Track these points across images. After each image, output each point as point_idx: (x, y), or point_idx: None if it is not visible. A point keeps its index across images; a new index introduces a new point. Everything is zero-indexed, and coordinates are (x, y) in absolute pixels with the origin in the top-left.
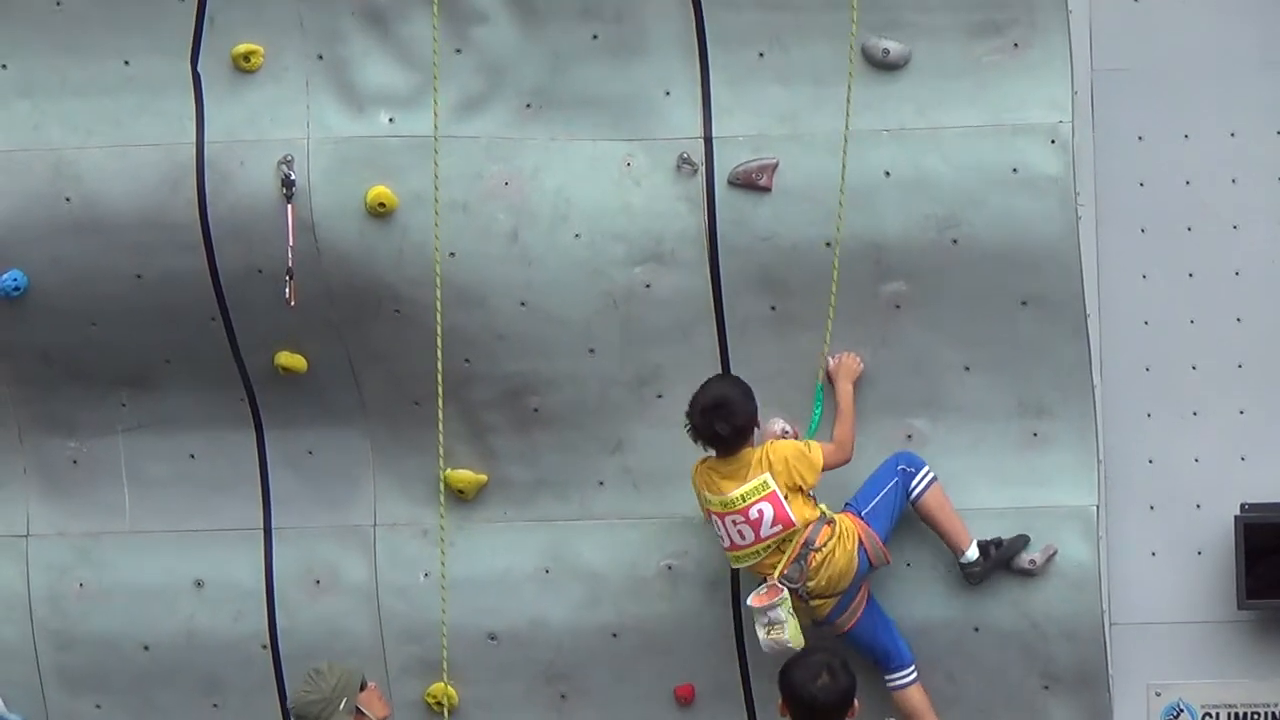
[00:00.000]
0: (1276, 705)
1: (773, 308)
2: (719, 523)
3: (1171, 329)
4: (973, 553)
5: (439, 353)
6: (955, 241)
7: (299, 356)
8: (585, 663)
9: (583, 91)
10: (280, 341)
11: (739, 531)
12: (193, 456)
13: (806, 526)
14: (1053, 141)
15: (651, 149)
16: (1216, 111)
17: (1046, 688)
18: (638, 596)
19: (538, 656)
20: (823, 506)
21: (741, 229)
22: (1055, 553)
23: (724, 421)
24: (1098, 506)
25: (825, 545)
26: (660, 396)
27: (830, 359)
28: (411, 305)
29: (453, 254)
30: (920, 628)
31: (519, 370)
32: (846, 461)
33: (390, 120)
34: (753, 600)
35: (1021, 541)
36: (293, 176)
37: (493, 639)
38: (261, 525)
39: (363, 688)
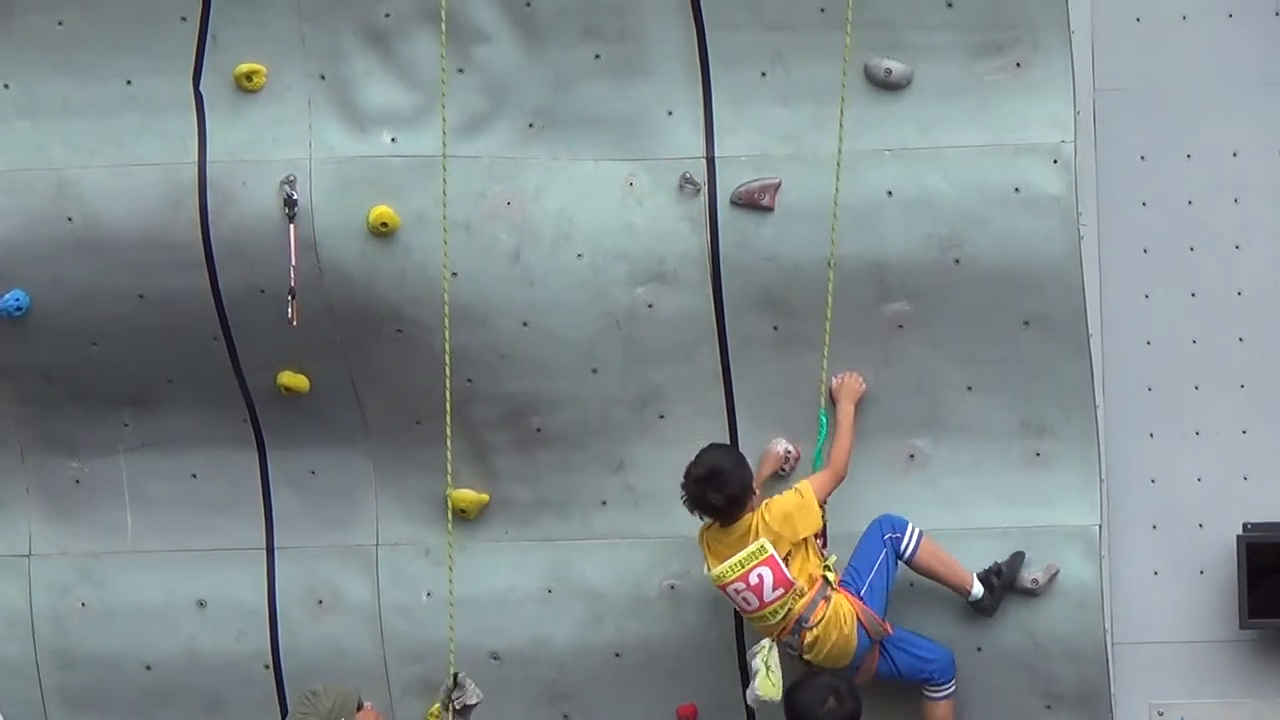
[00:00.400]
0: None
1: (775, 327)
2: (723, 592)
3: (1174, 348)
4: (978, 590)
5: (447, 370)
6: (958, 261)
7: (301, 376)
8: (588, 682)
9: (585, 111)
10: (282, 361)
11: (744, 599)
12: (195, 476)
13: (809, 589)
14: (1055, 161)
15: (654, 169)
16: (1219, 131)
17: (1049, 707)
18: (640, 616)
19: (540, 676)
20: (829, 564)
21: (744, 249)
22: (1058, 572)
23: (717, 491)
24: (1100, 526)
25: (819, 623)
26: (662, 416)
27: (833, 379)
28: (414, 325)
29: (455, 274)
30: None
31: (521, 390)
32: (842, 480)
33: (392, 140)
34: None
35: (1019, 559)
36: (295, 196)
37: (495, 658)
38: (264, 545)
39: (359, 708)
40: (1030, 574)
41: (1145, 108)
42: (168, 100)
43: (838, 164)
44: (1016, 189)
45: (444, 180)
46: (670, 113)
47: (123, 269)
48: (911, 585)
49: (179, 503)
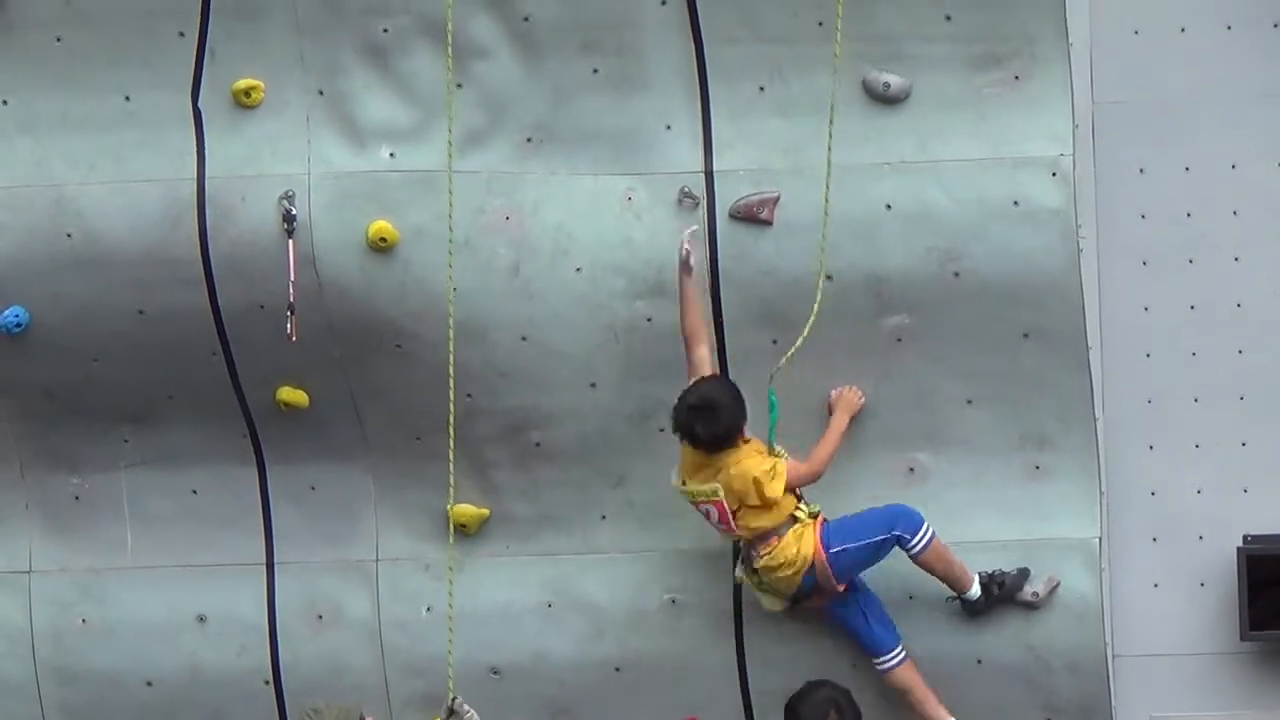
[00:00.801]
0: None
1: (774, 341)
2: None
3: (1173, 361)
4: (975, 591)
5: (451, 383)
6: (957, 274)
7: (301, 392)
8: (588, 697)
9: (583, 126)
10: (282, 377)
11: (705, 512)
12: (195, 492)
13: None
14: (1054, 174)
15: (652, 183)
16: (1218, 144)
17: None
18: (641, 630)
19: (540, 691)
20: (802, 509)
21: (743, 262)
22: (1058, 585)
23: (705, 425)
24: (1100, 538)
25: (769, 550)
26: (662, 430)
27: (832, 391)
28: (413, 340)
29: (454, 289)
30: (923, 660)
31: (520, 405)
32: (815, 480)
33: (391, 155)
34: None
35: (1023, 576)
36: (294, 212)
37: (495, 673)
38: (264, 560)
39: None
40: (1030, 587)
41: (1144, 120)
42: (167, 116)
43: (826, 177)
44: (1015, 202)
45: (450, 194)
46: (669, 127)
47: (122, 285)
48: (911, 598)
49: (179, 518)
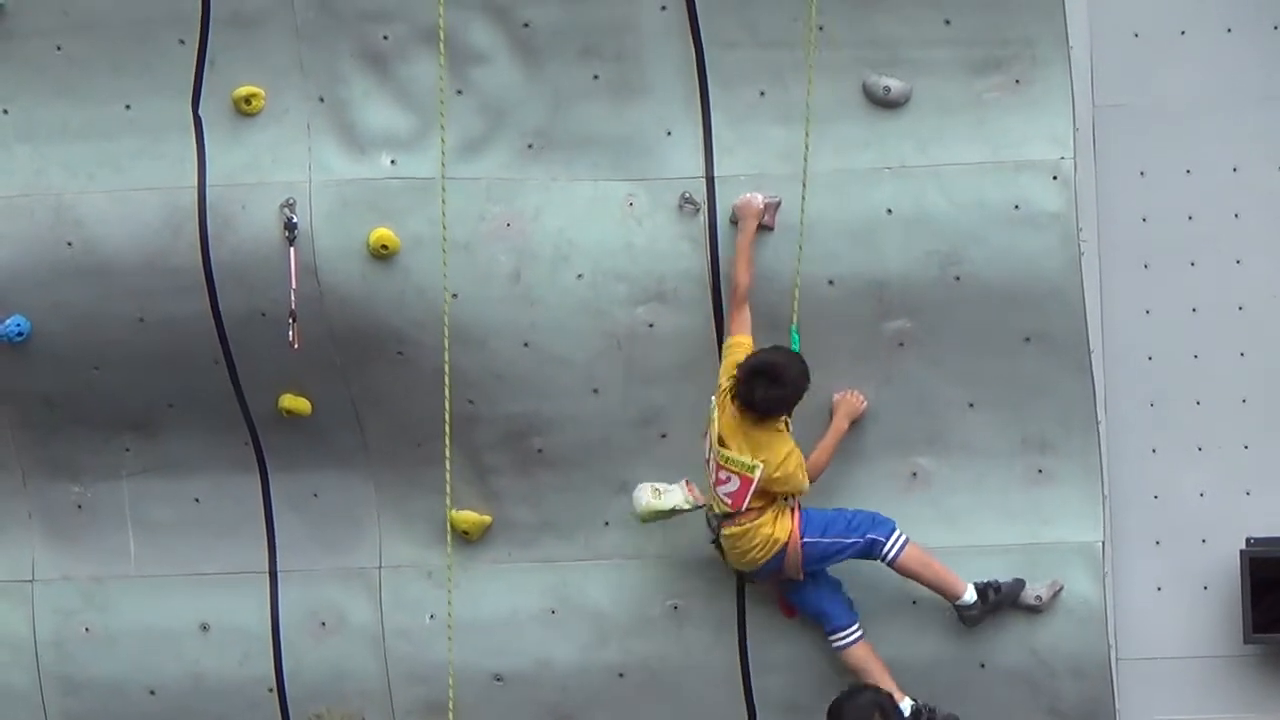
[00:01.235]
0: None
1: (776, 346)
2: (711, 452)
3: (1175, 364)
4: (970, 596)
5: (448, 390)
6: (958, 278)
7: (303, 399)
8: (591, 703)
9: (584, 132)
10: (284, 384)
11: (714, 465)
12: (197, 500)
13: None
14: (1054, 177)
15: (653, 189)
16: (1218, 146)
17: None
18: (644, 636)
19: (544, 697)
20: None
21: None
22: (1061, 589)
23: (765, 389)
24: (1103, 542)
25: (742, 525)
26: (664, 436)
27: (834, 395)
28: (414, 347)
29: (455, 295)
30: (926, 665)
31: (522, 411)
32: (813, 481)
33: (392, 162)
34: (685, 482)
35: (1018, 585)
36: (295, 219)
37: (499, 680)
38: (267, 568)
39: None
40: (1034, 591)
41: (1145, 123)
42: (167, 124)
43: (803, 174)
44: (1016, 206)
45: (442, 199)
46: (669, 132)
47: (123, 293)
48: (915, 603)
49: (181, 527)
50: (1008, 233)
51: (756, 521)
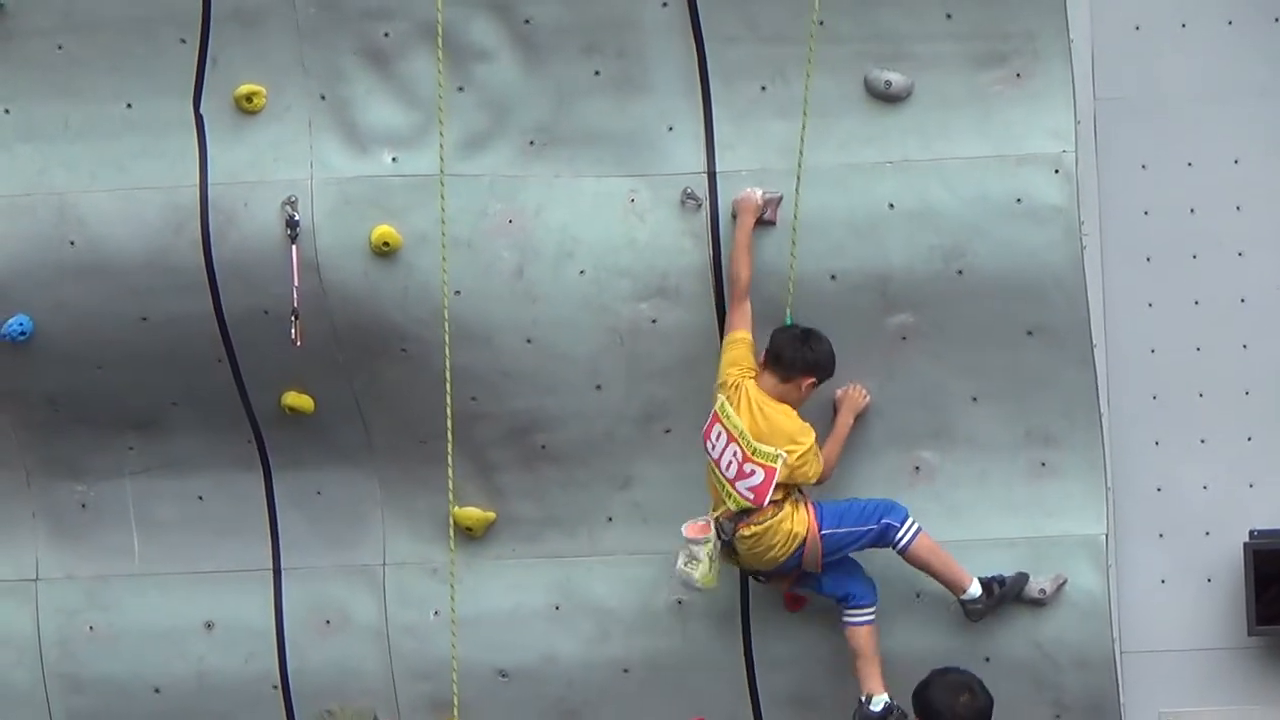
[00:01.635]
0: None
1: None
2: (720, 429)
3: (1178, 357)
4: (975, 589)
5: (449, 387)
6: (960, 272)
7: (306, 397)
8: (596, 699)
9: (586, 128)
10: (287, 382)
11: (729, 462)
12: (201, 498)
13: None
14: (1056, 171)
15: (655, 184)
16: (1220, 139)
17: (1058, 716)
18: (648, 632)
19: (548, 693)
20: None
21: None
22: (1065, 582)
23: (798, 346)
24: (1107, 535)
25: (762, 523)
26: (668, 431)
27: (837, 390)
28: (417, 344)
29: (458, 292)
30: (931, 659)
31: (525, 407)
32: (823, 482)
33: (393, 160)
34: (686, 528)
35: (1022, 579)
36: (297, 217)
37: (503, 676)
38: (271, 566)
39: None
40: (1038, 584)
41: (1146, 116)
42: (168, 123)
43: (798, 168)
44: (1018, 199)
45: (442, 198)
46: (671, 128)
47: (125, 292)
48: (919, 596)
49: (185, 525)
50: (1010, 226)
51: (777, 517)
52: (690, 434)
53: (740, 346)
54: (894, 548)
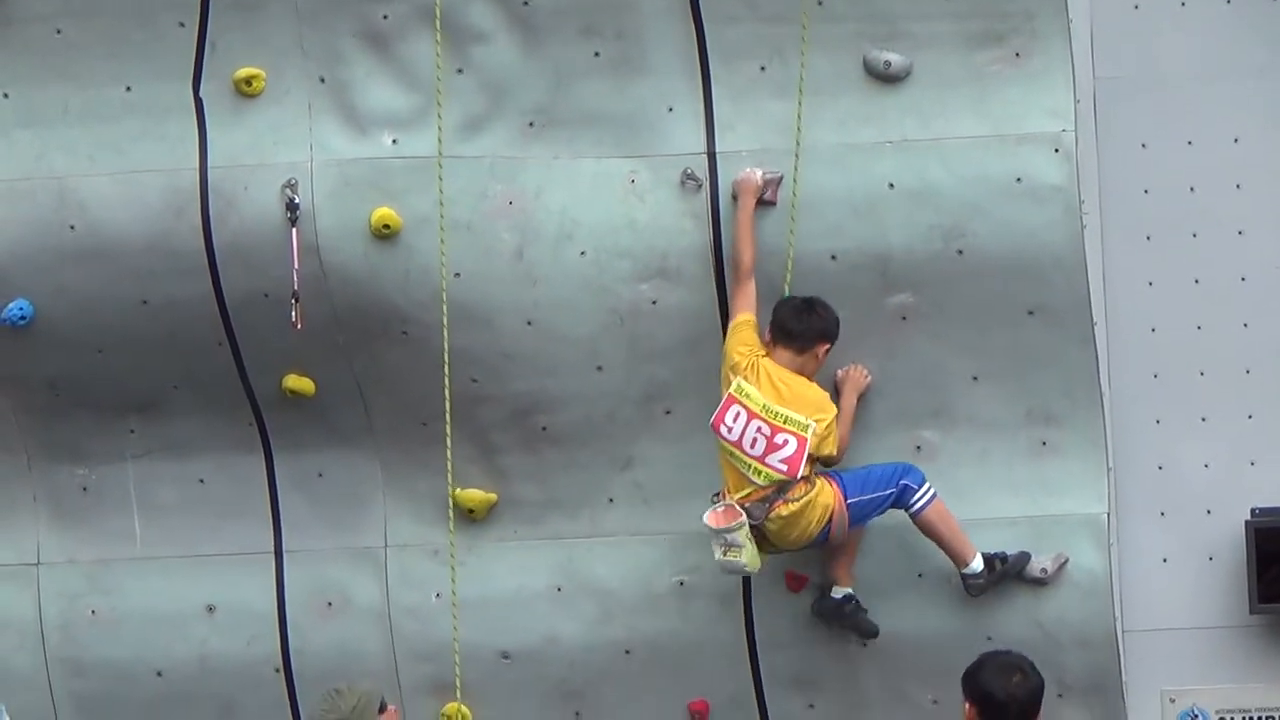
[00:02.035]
0: None
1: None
2: (737, 410)
3: (1178, 335)
4: (977, 564)
5: (446, 369)
6: (960, 252)
7: (307, 379)
8: (598, 680)
9: (585, 109)
10: (287, 365)
11: (753, 439)
12: (202, 481)
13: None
14: (1056, 150)
15: (655, 165)
16: (1219, 117)
17: (1060, 696)
18: (650, 613)
19: (551, 674)
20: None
21: None
22: (1066, 561)
23: (802, 317)
24: (1108, 514)
25: (799, 499)
26: (669, 412)
27: (838, 371)
28: (418, 326)
29: (458, 274)
30: (932, 638)
31: (527, 389)
32: (835, 462)
33: (393, 142)
34: (710, 520)
35: (1024, 558)
36: (297, 200)
37: (506, 658)
38: (272, 548)
39: (382, 709)
40: (1039, 563)
41: (1145, 95)
42: (168, 106)
43: (795, 154)
44: (1018, 179)
45: (439, 179)
46: (670, 109)
47: (126, 276)
48: (920, 576)
49: (187, 508)
50: (1010, 206)
51: (812, 492)
52: (691, 414)
53: (746, 329)
54: (907, 510)
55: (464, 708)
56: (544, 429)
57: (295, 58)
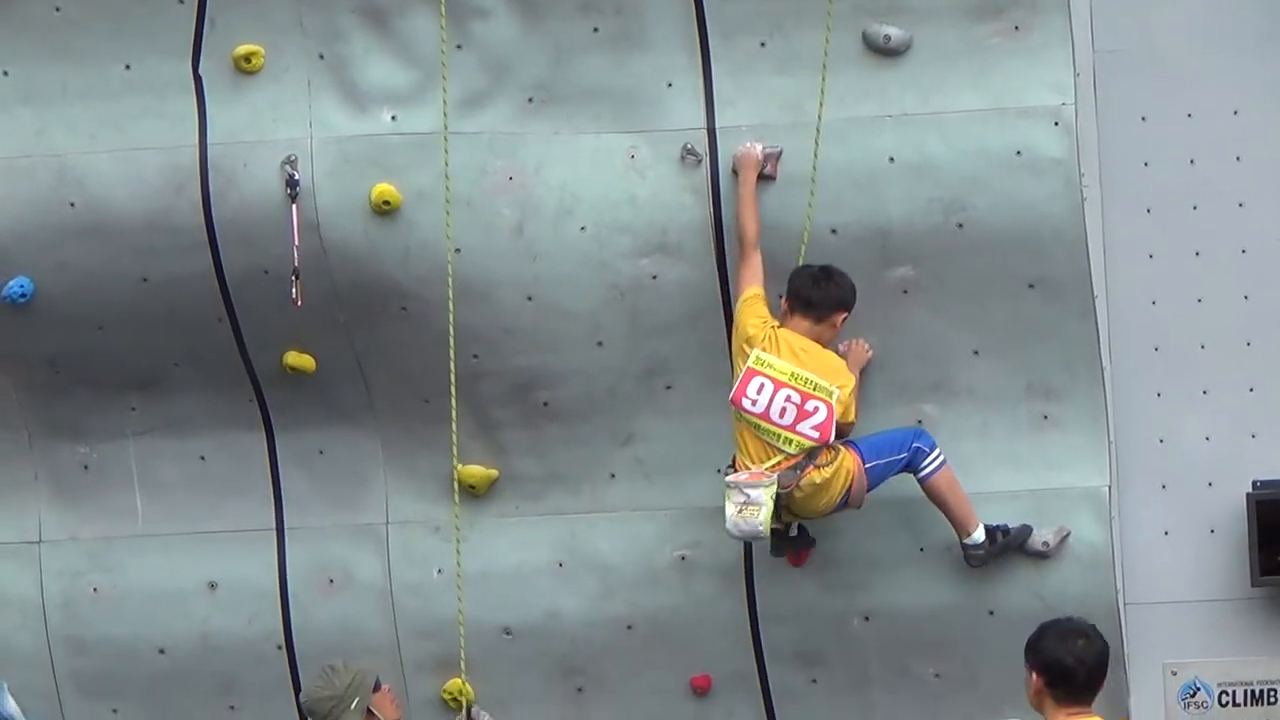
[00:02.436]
0: None
1: (780, 295)
2: (760, 381)
3: (1179, 308)
4: (979, 535)
5: (452, 347)
6: (961, 225)
7: (307, 356)
8: (600, 655)
9: (585, 85)
10: (288, 341)
11: (782, 408)
12: (203, 458)
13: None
14: (1056, 123)
15: (655, 141)
16: (1219, 89)
17: None
18: (652, 588)
19: (553, 650)
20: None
21: None
22: (1068, 534)
23: (818, 285)
24: (1109, 487)
25: (830, 464)
26: (669, 388)
27: (839, 345)
28: (418, 302)
29: (458, 250)
30: (935, 612)
31: (527, 365)
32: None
33: (393, 118)
34: (733, 476)
35: (1026, 531)
36: (296, 176)
37: (508, 634)
38: (274, 526)
39: (376, 689)
40: (1040, 536)
41: (1145, 68)
42: (167, 83)
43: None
44: (1018, 152)
45: (444, 149)
46: (670, 84)
47: (126, 253)
48: (921, 550)
49: (188, 485)
50: (1010, 179)
51: (840, 457)
52: (692, 389)
53: (757, 302)
54: (916, 474)
55: (466, 684)
56: (545, 404)
57: (294, 34)
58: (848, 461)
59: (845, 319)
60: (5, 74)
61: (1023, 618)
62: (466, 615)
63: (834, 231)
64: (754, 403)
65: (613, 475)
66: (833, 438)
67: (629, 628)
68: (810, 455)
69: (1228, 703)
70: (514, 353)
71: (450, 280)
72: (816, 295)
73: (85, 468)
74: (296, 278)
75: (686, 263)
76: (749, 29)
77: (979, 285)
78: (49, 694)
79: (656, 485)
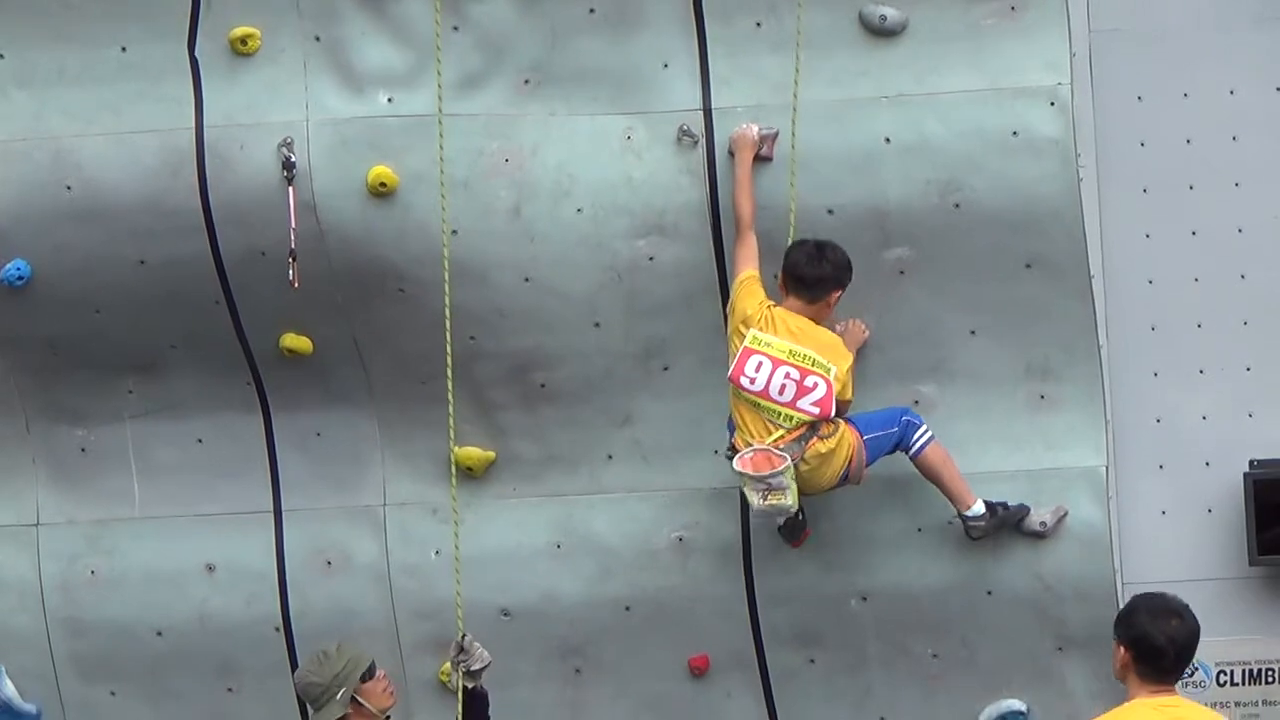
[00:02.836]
0: None
1: (775, 275)
2: (758, 359)
3: (1176, 287)
4: (979, 508)
5: (448, 329)
6: (957, 206)
7: (304, 338)
8: (598, 636)
9: (581, 66)
10: (285, 324)
11: (781, 385)
12: (200, 441)
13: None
14: (1052, 104)
15: (651, 122)
16: (1215, 69)
17: (1060, 649)
18: (649, 569)
19: (551, 631)
20: None
21: None
22: (1066, 514)
23: (812, 260)
24: (1107, 467)
25: (832, 435)
26: (666, 369)
27: (837, 325)
28: (415, 284)
29: (455, 231)
30: (933, 593)
31: (524, 346)
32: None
33: (389, 100)
34: (749, 466)
35: (1023, 510)
36: (293, 158)
37: (505, 615)
38: (271, 508)
39: (371, 676)
40: (1038, 516)
41: (1141, 48)
42: (164, 66)
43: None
44: (1014, 132)
45: (440, 136)
46: (666, 65)
47: (123, 236)
48: (920, 530)
49: (185, 468)
50: (1006, 159)
51: (841, 429)
52: (689, 371)
53: (753, 283)
54: (907, 451)
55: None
56: (542, 386)
57: (290, 16)
58: (848, 434)
59: (839, 296)
60: (1, 57)
61: (1020, 598)
62: (464, 597)
63: (830, 212)
64: (752, 380)
65: (610, 456)
66: (833, 413)
67: (627, 609)
68: (813, 427)
69: (1225, 682)
70: (511, 334)
71: (446, 262)
72: (811, 273)
73: (83, 450)
74: (293, 260)
75: (683, 244)
76: (745, 9)
77: (976, 266)
78: (47, 677)
79: (654, 466)
